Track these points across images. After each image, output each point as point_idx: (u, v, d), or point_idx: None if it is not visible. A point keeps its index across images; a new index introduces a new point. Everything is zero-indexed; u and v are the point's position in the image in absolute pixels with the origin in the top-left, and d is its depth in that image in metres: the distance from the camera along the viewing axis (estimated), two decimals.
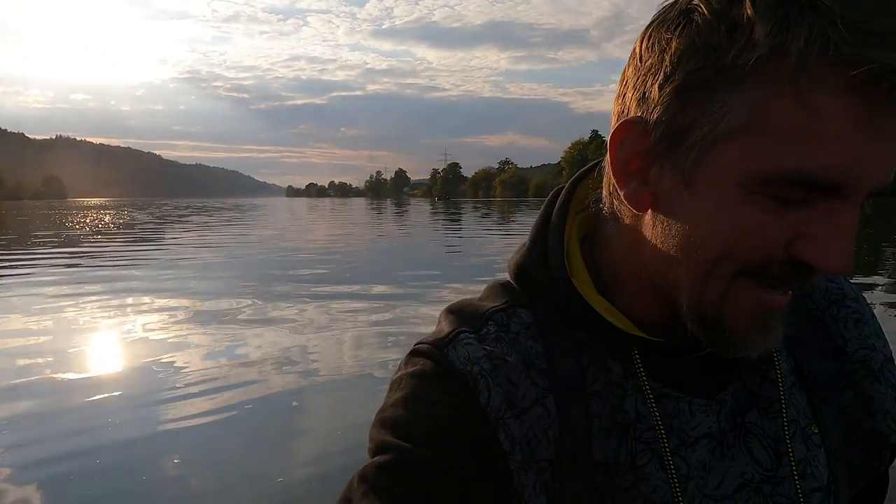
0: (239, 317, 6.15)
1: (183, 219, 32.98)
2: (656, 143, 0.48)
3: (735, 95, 0.43)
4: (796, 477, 0.55)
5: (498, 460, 0.52)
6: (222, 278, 9.07)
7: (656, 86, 0.47)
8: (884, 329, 0.64)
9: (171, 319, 6.10)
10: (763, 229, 0.44)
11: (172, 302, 7.03)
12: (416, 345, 0.57)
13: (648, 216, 0.51)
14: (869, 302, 0.61)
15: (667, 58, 0.46)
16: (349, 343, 5.10)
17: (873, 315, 0.64)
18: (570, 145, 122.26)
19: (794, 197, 0.43)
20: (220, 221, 29.55)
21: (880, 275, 8.81)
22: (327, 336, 5.32)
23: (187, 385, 4.01)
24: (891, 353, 0.63)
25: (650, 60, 0.47)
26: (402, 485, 0.50)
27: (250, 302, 6.91)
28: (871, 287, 7.46)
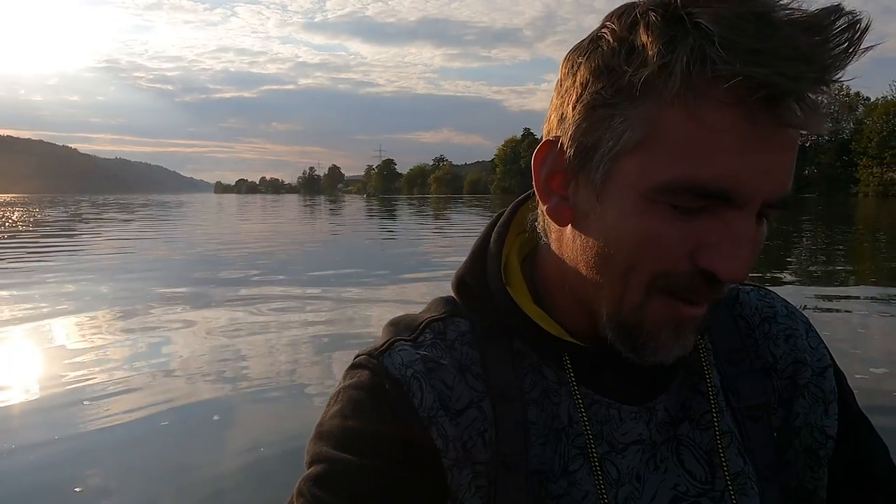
0: (157, 319, 5.75)
1: (101, 216, 31.12)
2: (571, 160, 0.51)
3: (633, 112, 0.46)
4: (731, 488, 0.55)
5: (431, 459, 0.53)
6: (142, 278, 8.52)
7: (570, 107, 0.50)
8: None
9: (81, 322, 5.62)
10: (665, 237, 0.47)
11: (84, 303, 6.48)
12: (354, 358, 0.59)
13: (569, 231, 0.54)
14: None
15: (578, 81, 0.50)
16: (279, 345, 4.86)
17: (809, 329, 0.64)
18: (503, 143, 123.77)
19: (692, 206, 0.46)
20: (143, 219, 28.07)
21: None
22: (255, 336, 5.03)
23: (98, 391, 3.65)
24: (828, 363, 0.63)
25: (566, 84, 0.51)
26: (339, 494, 0.50)
27: (171, 301, 6.51)
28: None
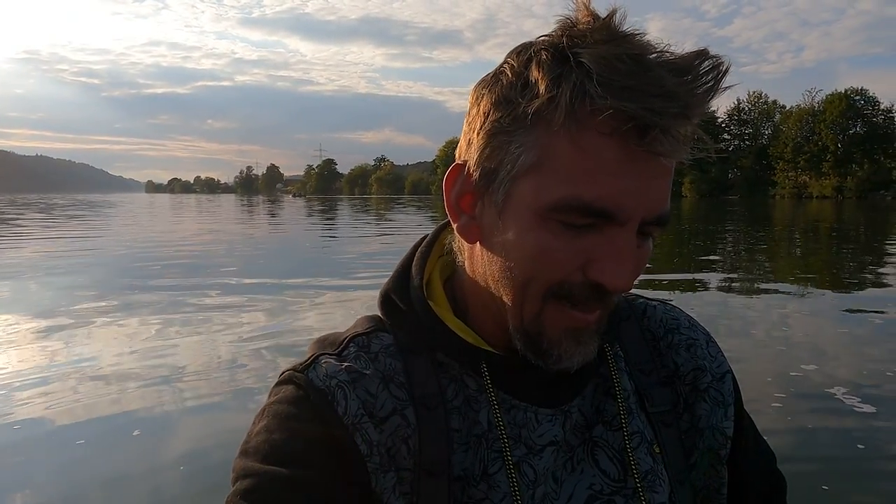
0: (69, 333, 5.48)
1: (20, 216, 29.25)
2: (477, 182, 0.56)
3: (527, 138, 0.52)
4: (639, 485, 0.60)
5: (357, 464, 0.55)
6: (60, 285, 8.11)
7: (475, 133, 0.56)
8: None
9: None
10: (557, 252, 0.52)
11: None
12: (280, 375, 0.61)
13: (478, 248, 0.59)
14: None
15: (481, 110, 0.55)
16: (205, 355, 4.72)
17: (709, 339, 0.71)
18: (444, 143, 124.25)
19: (579, 223, 0.51)
20: (68, 221, 26.57)
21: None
22: (178, 347, 4.87)
23: (3, 406, 3.47)
24: (727, 370, 0.69)
25: (473, 112, 0.57)
26: None
27: (97, 306, 6.24)
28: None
